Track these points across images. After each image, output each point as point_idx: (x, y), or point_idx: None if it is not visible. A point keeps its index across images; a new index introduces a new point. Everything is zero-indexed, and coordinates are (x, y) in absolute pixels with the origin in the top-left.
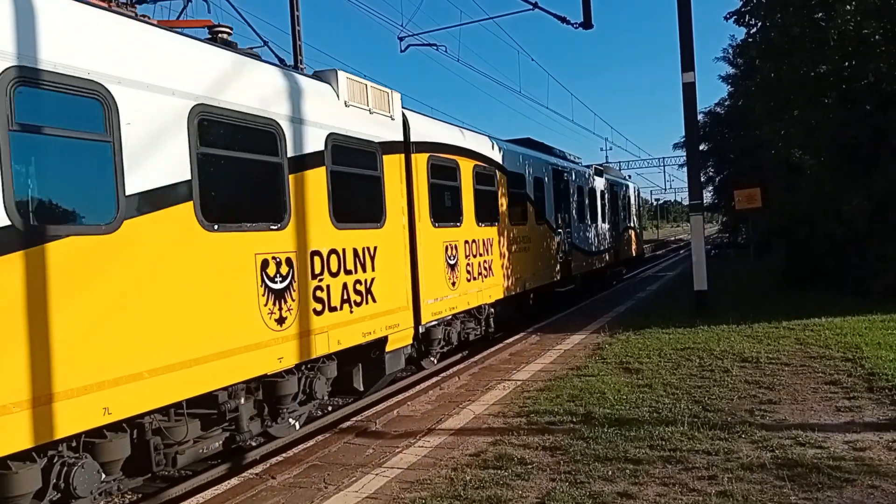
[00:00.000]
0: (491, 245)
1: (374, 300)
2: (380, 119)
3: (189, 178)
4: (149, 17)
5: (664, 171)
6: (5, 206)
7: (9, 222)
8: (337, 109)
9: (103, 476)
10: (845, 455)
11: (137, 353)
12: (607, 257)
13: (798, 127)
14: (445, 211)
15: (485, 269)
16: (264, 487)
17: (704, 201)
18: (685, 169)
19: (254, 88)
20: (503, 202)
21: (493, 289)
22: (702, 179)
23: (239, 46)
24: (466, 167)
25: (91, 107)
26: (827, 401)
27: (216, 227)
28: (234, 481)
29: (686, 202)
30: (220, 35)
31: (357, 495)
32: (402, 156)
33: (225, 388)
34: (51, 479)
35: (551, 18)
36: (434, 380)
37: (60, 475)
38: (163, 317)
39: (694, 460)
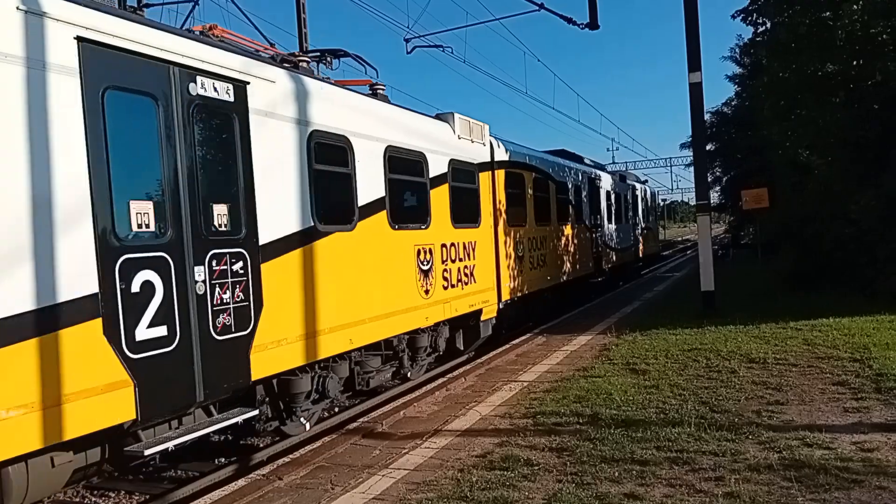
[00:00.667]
0: (545, 241)
1: (474, 281)
2: (477, 146)
3: (384, 195)
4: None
5: (671, 171)
6: (312, 215)
7: (313, 224)
8: (454, 141)
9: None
10: (853, 456)
11: (361, 306)
12: (630, 253)
13: (806, 127)
14: (516, 214)
15: (541, 261)
16: (271, 488)
17: (711, 202)
18: (692, 169)
19: (411, 131)
20: (553, 206)
21: (544, 279)
22: (709, 179)
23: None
24: (528, 178)
25: (343, 151)
26: (835, 401)
27: (396, 226)
28: (241, 482)
29: (693, 202)
30: (378, 91)
31: (364, 496)
32: (490, 172)
33: (396, 336)
34: (314, 384)
35: (558, 19)
36: (440, 381)
37: (319, 382)
38: (373, 285)
39: (701, 461)
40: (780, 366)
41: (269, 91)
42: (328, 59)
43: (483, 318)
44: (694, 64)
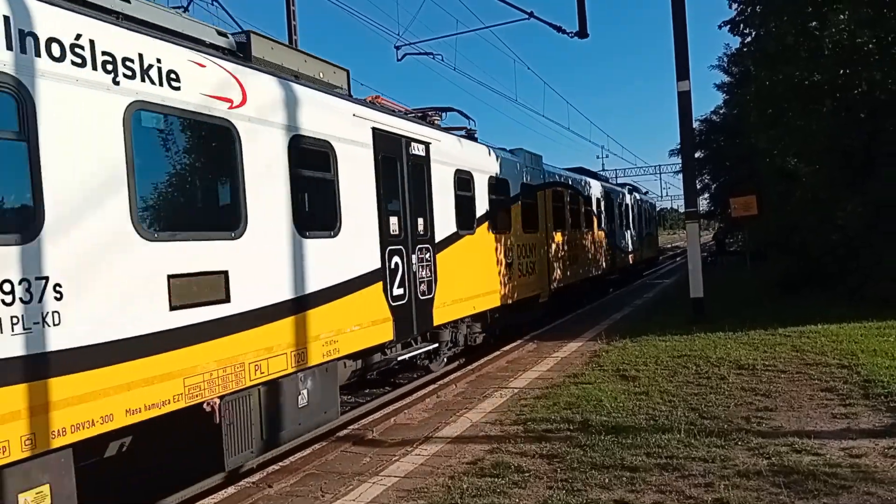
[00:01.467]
0: (577, 243)
1: (536, 272)
2: (536, 172)
3: (487, 209)
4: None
5: (660, 179)
6: (456, 224)
7: (455, 230)
8: (523, 171)
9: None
10: (841, 462)
11: (477, 285)
12: (636, 256)
13: (793, 135)
14: (559, 222)
15: (574, 260)
16: (261, 496)
17: (701, 209)
18: (681, 176)
19: (501, 166)
20: (583, 215)
21: (577, 273)
22: (697, 187)
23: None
24: (566, 193)
25: (468, 182)
26: (823, 408)
27: (496, 233)
28: (230, 490)
29: (682, 209)
30: (473, 135)
31: None
32: (544, 191)
33: (486, 310)
34: (448, 336)
35: (548, 29)
36: (431, 388)
37: (453, 335)
38: (483, 270)
39: (690, 467)
40: (769, 372)
41: (438, 146)
42: (442, 114)
43: (540, 300)
44: (682, 73)
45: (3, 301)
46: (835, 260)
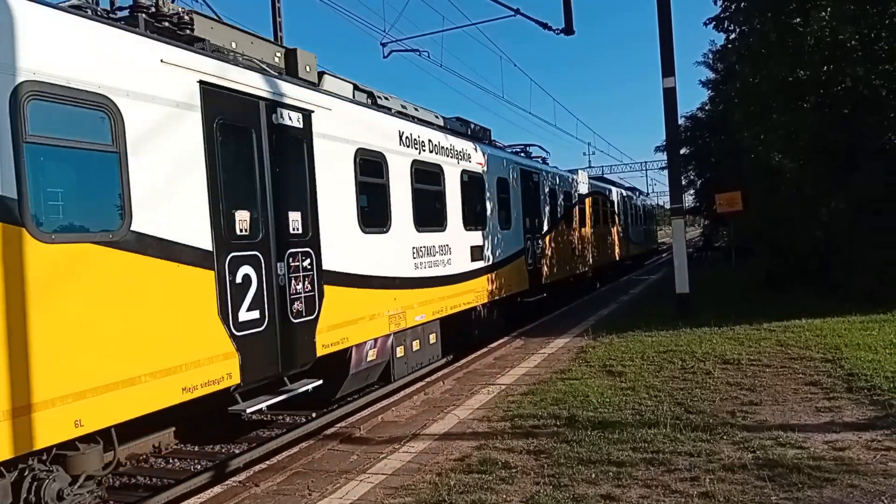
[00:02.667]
0: (605, 236)
1: (591, 256)
2: (584, 185)
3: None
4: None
5: (646, 175)
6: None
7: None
8: (578, 185)
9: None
10: (825, 455)
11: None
12: (640, 247)
13: (777, 131)
14: (596, 221)
15: (602, 248)
16: (248, 495)
17: (686, 205)
18: (667, 172)
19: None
20: (610, 214)
21: (603, 258)
22: (683, 183)
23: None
24: (598, 199)
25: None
26: (807, 401)
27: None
28: (217, 489)
29: (668, 205)
30: (546, 161)
31: (341, 502)
32: (591, 198)
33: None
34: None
35: (535, 26)
36: (419, 385)
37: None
38: (579, 250)
39: (676, 462)
40: (754, 367)
41: (545, 177)
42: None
43: (589, 274)
44: (668, 69)
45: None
46: (819, 256)
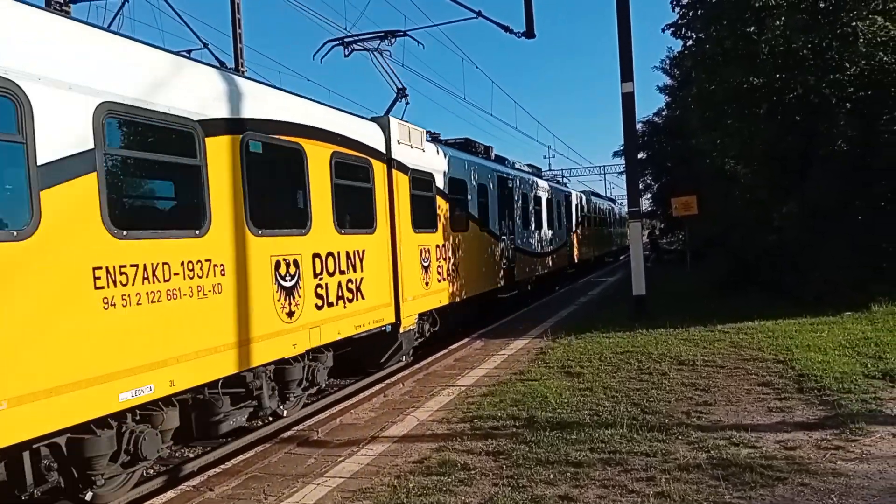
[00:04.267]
0: (593, 235)
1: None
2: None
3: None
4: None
5: (605, 179)
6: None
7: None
8: (578, 200)
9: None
10: (777, 454)
11: None
12: (614, 246)
13: (732, 137)
14: (586, 225)
15: (596, 243)
16: (202, 500)
17: (643, 209)
18: (625, 176)
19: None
20: (602, 217)
21: (596, 250)
22: (640, 187)
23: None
24: (590, 206)
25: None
26: (760, 402)
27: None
28: (170, 494)
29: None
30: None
31: None
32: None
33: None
34: None
35: (498, 29)
36: (378, 387)
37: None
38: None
39: (633, 462)
40: (709, 367)
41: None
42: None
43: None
44: (626, 75)
45: None
46: (771, 259)
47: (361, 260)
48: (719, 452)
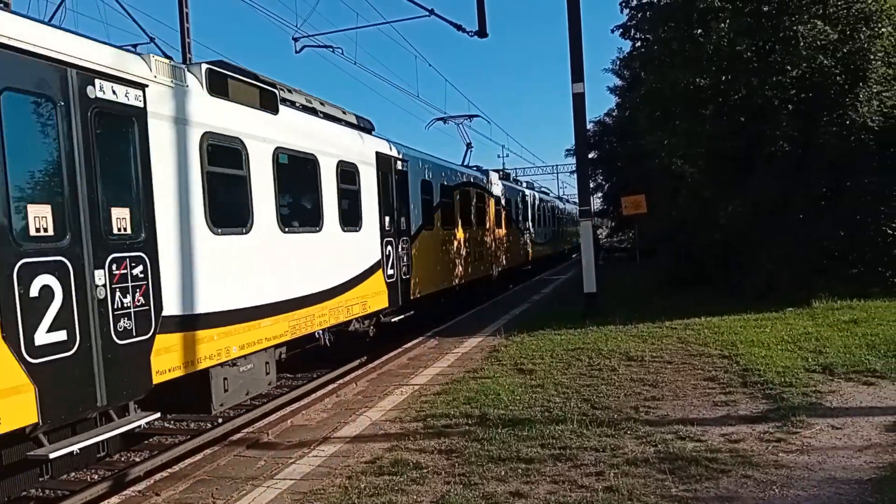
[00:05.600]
0: (548, 233)
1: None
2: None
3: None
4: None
5: (557, 178)
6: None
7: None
8: (561, 204)
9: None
10: (721, 447)
11: None
12: (569, 246)
13: (679, 137)
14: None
15: (542, 243)
16: None
17: (594, 208)
18: (576, 176)
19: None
20: (557, 217)
21: (551, 249)
22: (591, 186)
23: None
24: (564, 214)
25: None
26: (705, 396)
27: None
28: (114, 500)
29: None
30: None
31: None
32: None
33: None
34: None
35: (451, 29)
36: (330, 387)
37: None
38: None
39: (583, 457)
40: (657, 363)
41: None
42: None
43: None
44: (577, 75)
45: None
46: (717, 257)
47: None
48: (666, 447)
